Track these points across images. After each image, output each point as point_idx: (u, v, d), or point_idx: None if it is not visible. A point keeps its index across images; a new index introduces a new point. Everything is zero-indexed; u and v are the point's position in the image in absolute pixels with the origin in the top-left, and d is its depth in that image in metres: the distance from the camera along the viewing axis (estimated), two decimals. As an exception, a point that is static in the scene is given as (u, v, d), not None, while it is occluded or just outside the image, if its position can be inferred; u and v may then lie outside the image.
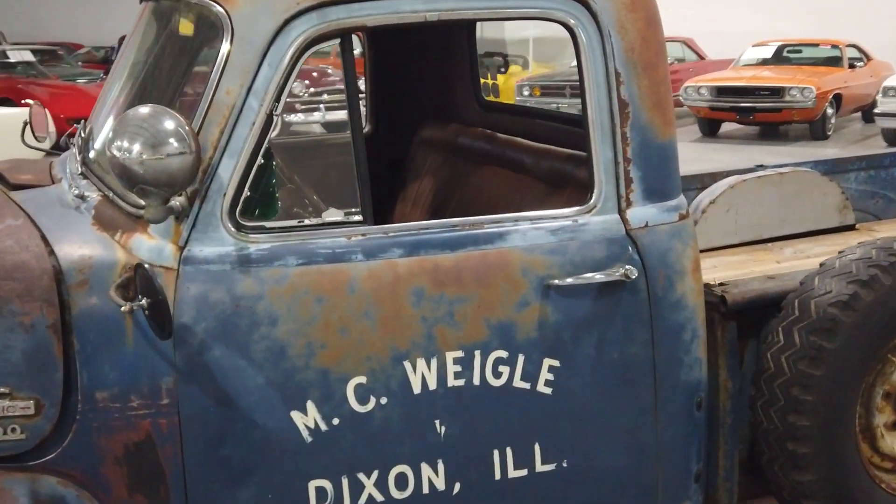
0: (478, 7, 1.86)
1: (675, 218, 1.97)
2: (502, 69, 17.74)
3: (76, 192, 1.88)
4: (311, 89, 13.34)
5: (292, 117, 13.19)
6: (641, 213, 1.94)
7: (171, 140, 1.55)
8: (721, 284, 2.14)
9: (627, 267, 1.87)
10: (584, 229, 1.89)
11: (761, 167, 3.80)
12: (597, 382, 1.89)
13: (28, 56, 17.43)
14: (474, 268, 1.81)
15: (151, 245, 1.69)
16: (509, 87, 15.88)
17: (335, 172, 2.06)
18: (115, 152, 1.54)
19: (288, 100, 1.75)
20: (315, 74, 13.90)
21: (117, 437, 1.65)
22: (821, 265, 2.06)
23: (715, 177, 3.74)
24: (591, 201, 1.91)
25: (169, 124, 1.56)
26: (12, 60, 16.22)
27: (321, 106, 13.43)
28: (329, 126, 14.28)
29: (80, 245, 1.72)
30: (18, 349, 1.60)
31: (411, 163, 3.14)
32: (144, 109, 1.59)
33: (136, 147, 1.53)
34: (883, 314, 1.96)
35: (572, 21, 1.88)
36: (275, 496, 1.72)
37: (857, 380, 1.98)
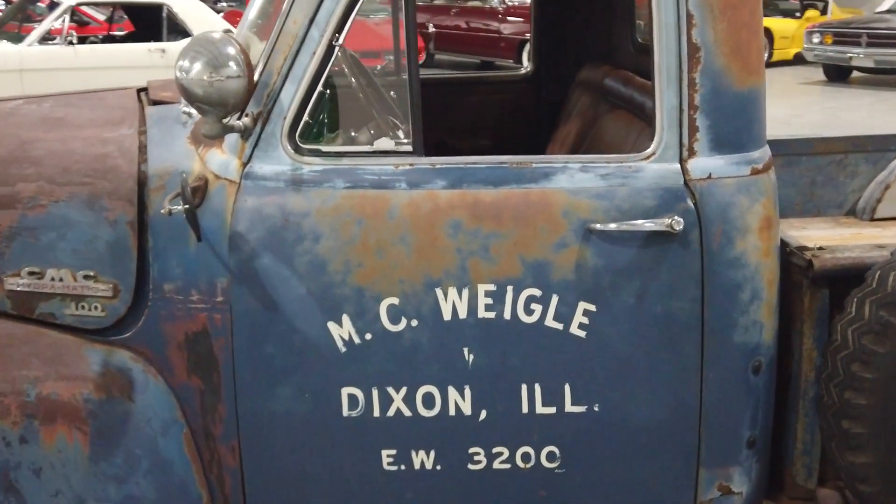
0: None
1: (747, 172, 1.88)
2: (797, 14, 16.63)
3: (185, 108, 2.11)
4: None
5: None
6: (705, 163, 1.87)
7: (230, 63, 1.72)
8: (820, 248, 2.02)
9: (676, 218, 1.82)
10: (637, 176, 1.86)
11: (982, 131, 3.39)
12: (635, 333, 1.88)
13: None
14: (514, 205, 1.85)
15: (221, 160, 1.89)
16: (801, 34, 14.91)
17: (397, 104, 2.15)
18: (178, 72, 1.74)
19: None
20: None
21: (179, 326, 1.89)
22: None
23: None
24: (651, 148, 1.88)
25: (228, 50, 1.73)
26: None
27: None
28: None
29: (169, 155, 1.96)
30: (103, 239, 1.88)
31: (567, 103, 3.16)
32: (209, 35, 1.77)
33: (197, 67, 1.72)
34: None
35: None
36: (311, 397, 1.89)
37: None
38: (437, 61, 16.11)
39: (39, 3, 8.80)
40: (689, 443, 1.95)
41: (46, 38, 8.42)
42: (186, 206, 1.76)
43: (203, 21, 8.83)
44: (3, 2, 11.87)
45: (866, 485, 1.86)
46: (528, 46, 13.68)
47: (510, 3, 14.40)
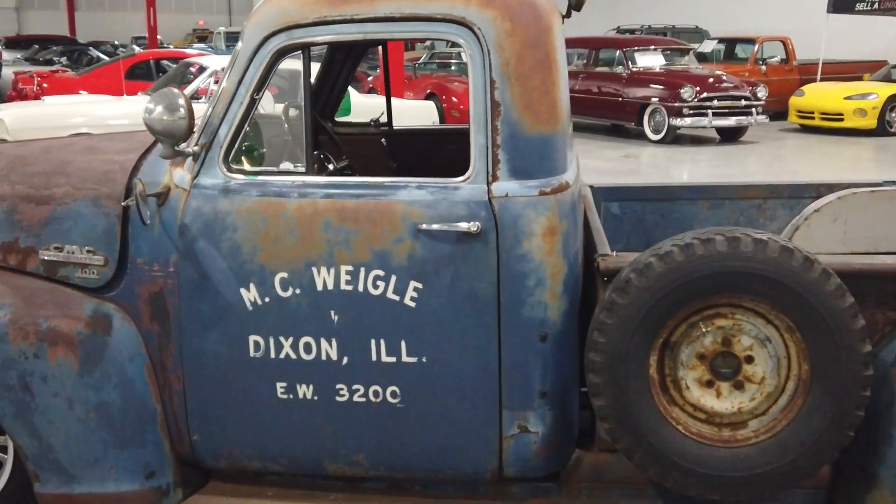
0: (393, 30, 2.67)
1: (535, 193, 2.59)
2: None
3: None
4: (704, 94, 13.74)
5: (678, 121, 13.74)
6: (504, 186, 2.60)
7: (179, 109, 2.61)
8: (603, 255, 2.67)
9: (477, 224, 2.56)
10: (455, 193, 2.61)
11: (890, 182, 3.91)
12: (451, 304, 2.60)
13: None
14: (368, 211, 2.63)
15: (180, 174, 2.78)
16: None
17: (297, 139, 2.96)
18: (145, 113, 2.64)
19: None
20: (711, 80, 14.22)
21: (146, 287, 2.77)
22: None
23: (832, 187, 3.94)
24: (467, 174, 2.62)
25: (179, 100, 2.62)
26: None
27: (709, 112, 13.78)
28: (720, 131, 14.57)
29: (152, 172, 2.86)
30: (100, 226, 2.79)
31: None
32: (168, 89, 2.67)
33: (158, 110, 2.61)
34: (673, 283, 2.40)
35: (461, 41, 2.60)
36: (229, 341, 2.72)
37: (646, 333, 2.44)
38: (565, 123, 16.88)
39: (191, 69, 10.23)
40: (493, 391, 2.64)
41: (194, 97, 9.83)
42: (132, 200, 2.65)
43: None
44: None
45: (605, 422, 2.50)
46: (648, 109, 14.37)
47: (634, 70, 15.04)
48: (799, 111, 16.13)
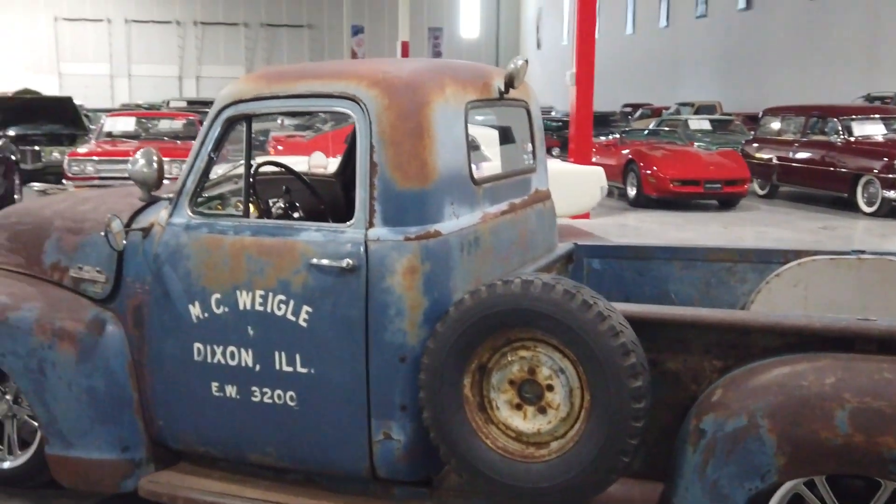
0: (307, 104, 3.32)
1: (401, 238, 3.12)
2: None
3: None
4: None
5: (893, 193, 13.05)
6: (377, 231, 3.15)
7: (153, 164, 3.43)
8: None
9: (351, 261, 3.13)
10: (341, 235, 3.20)
11: (861, 252, 4.04)
12: (333, 326, 3.18)
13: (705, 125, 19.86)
14: (278, 248, 3.28)
15: (162, 215, 3.58)
16: None
17: (239, 190, 3.65)
18: (129, 165, 3.48)
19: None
20: None
21: (132, 301, 3.58)
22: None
23: (799, 254, 4.15)
24: (351, 220, 3.21)
25: (154, 157, 3.44)
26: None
27: None
28: None
29: (147, 215, 3.68)
30: (106, 253, 3.65)
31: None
32: (148, 149, 3.49)
33: (139, 163, 3.45)
34: (477, 315, 2.84)
35: (352, 113, 3.21)
36: (181, 346, 3.45)
37: (460, 358, 2.88)
38: (780, 192, 16.49)
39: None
40: (363, 401, 3.17)
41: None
42: (101, 232, 3.47)
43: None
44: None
45: (430, 432, 2.95)
46: (862, 180, 13.76)
47: (849, 139, 14.50)
48: None
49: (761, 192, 16.57)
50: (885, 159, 13.44)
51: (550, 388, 2.85)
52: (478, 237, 3.40)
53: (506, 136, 4.37)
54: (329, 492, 3.36)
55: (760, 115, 17.65)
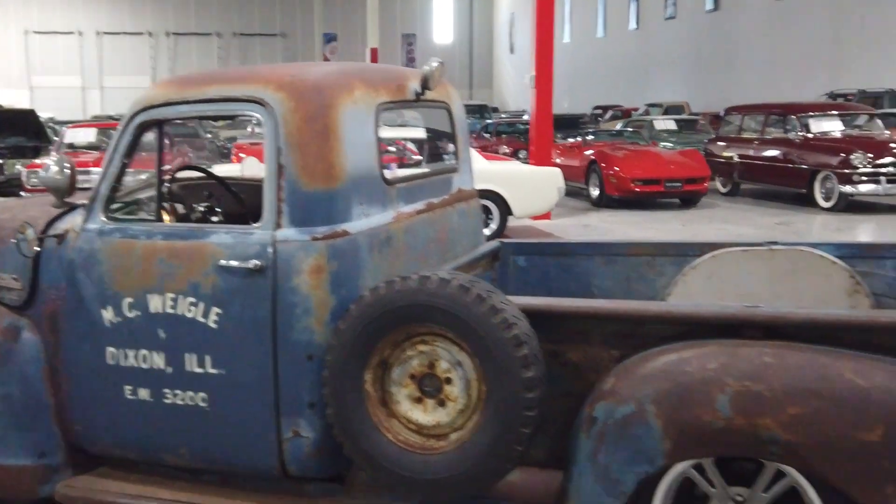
0: (217, 108, 3.36)
1: (308, 238, 3.16)
2: None
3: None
4: (877, 160, 13.19)
5: (849, 188, 13.22)
6: (285, 232, 3.19)
7: (65, 170, 3.45)
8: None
9: (258, 262, 3.17)
10: (250, 237, 3.24)
11: (773, 243, 4.12)
12: (241, 326, 3.22)
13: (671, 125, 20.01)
14: (188, 251, 3.32)
15: (77, 221, 3.60)
16: None
17: (152, 196, 3.70)
18: (42, 171, 3.50)
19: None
20: (885, 145, 13.63)
21: (48, 307, 3.60)
22: None
23: (715, 246, 4.22)
24: (260, 222, 3.25)
25: (66, 163, 3.47)
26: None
27: (882, 178, 13.20)
28: None
29: (63, 222, 3.71)
30: (21, 260, 3.67)
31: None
32: (60, 154, 3.52)
33: (52, 170, 3.47)
34: (377, 311, 2.89)
35: (259, 116, 3.26)
36: (94, 351, 3.48)
37: (360, 354, 2.92)
38: (742, 190, 16.65)
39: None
40: (272, 400, 3.20)
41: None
42: (12, 239, 3.50)
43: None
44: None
45: (334, 428, 3.00)
46: (819, 176, 13.93)
47: (806, 136, 14.67)
48: None
49: (723, 190, 16.72)
50: (842, 155, 13.61)
51: (449, 380, 2.90)
52: (390, 236, 3.45)
53: (427, 138, 4.44)
54: (244, 491, 3.39)
55: (723, 114, 17.81)
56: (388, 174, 3.55)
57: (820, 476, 2.55)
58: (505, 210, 11.27)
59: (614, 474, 2.75)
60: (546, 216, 13.14)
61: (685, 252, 4.18)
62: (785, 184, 15.00)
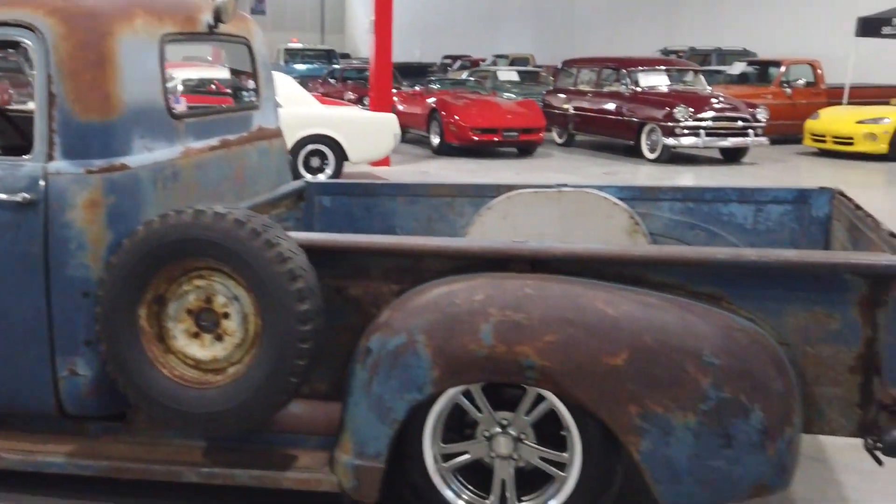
0: None
1: (82, 171, 3.06)
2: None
3: None
4: (698, 114, 13.83)
5: (672, 140, 13.85)
6: (58, 164, 3.08)
7: None
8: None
9: (28, 195, 3.05)
10: (20, 169, 3.10)
11: (564, 185, 4.27)
12: (12, 262, 3.09)
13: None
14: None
15: None
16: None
17: None
18: None
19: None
20: (706, 101, 14.28)
21: None
22: None
23: (511, 188, 4.33)
24: (31, 153, 3.12)
25: None
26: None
27: (701, 132, 13.85)
28: (723, 152, 14.60)
29: None
30: None
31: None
32: None
33: None
34: (151, 246, 2.84)
35: (29, 42, 3.11)
36: None
37: (134, 289, 2.88)
38: (577, 141, 17.16)
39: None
40: (46, 338, 3.11)
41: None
42: None
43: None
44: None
45: (108, 365, 2.95)
46: (646, 128, 14.51)
47: (636, 90, 15.21)
48: (813, 134, 15.95)
49: (559, 141, 17.17)
50: (667, 108, 14.21)
51: (226, 315, 2.90)
52: (177, 172, 3.38)
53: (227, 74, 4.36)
54: (23, 432, 3.30)
55: (559, 67, 18.23)
56: (176, 108, 3.47)
57: (572, 399, 2.71)
58: (340, 155, 11.22)
59: (387, 403, 2.83)
60: (385, 163, 13.16)
61: (483, 193, 4.30)
62: (615, 135, 15.55)
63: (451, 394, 2.87)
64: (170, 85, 10.68)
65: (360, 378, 2.87)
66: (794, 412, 2.65)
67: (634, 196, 4.13)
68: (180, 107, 3.19)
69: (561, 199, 4.11)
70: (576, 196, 4.11)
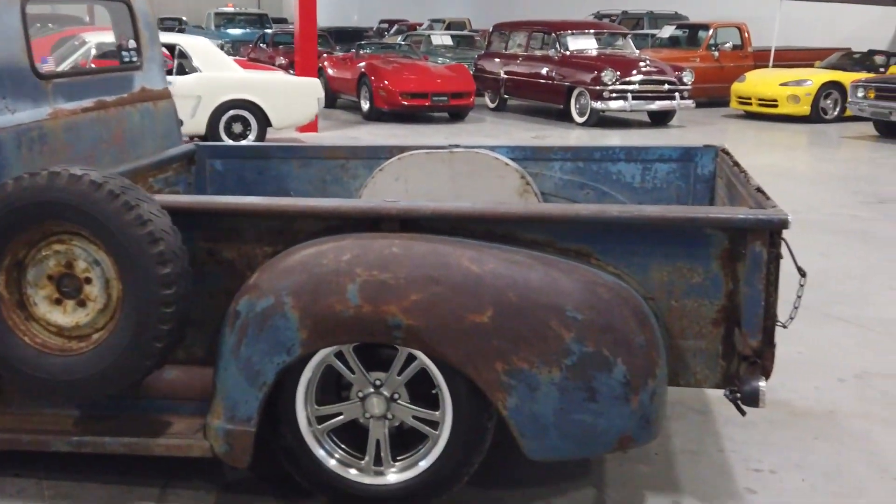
0: None
1: None
2: (882, 69, 16.30)
3: None
4: (625, 78, 13.90)
5: (599, 104, 13.90)
6: None
7: None
8: None
9: None
10: None
11: (456, 146, 4.23)
12: None
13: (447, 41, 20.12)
14: None
15: None
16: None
17: None
18: None
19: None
20: (632, 64, 14.35)
21: None
22: None
23: (403, 150, 4.28)
24: None
25: None
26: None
27: (628, 95, 13.92)
28: (651, 115, 14.71)
29: None
30: None
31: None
32: None
33: None
34: (3, 210, 2.75)
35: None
36: None
37: None
38: (508, 105, 17.14)
39: (75, 42, 10.69)
40: None
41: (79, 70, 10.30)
42: None
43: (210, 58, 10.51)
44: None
45: None
46: (575, 92, 14.55)
47: (566, 53, 15.22)
48: (739, 97, 16.16)
49: (491, 105, 17.14)
50: (595, 72, 14.25)
51: (88, 280, 2.82)
52: (44, 134, 3.28)
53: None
54: None
55: (490, 31, 18.16)
56: (44, 68, 3.36)
57: (441, 357, 2.70)
58: (264, 121, 11.06)
59: (255, 366, 2.79)
60: (313, 128, 13.02)
61: (377, 155, 4.26)
62: (546, 99, 15.57)
63: (322, 355, 2.84)
64: (83, 51, 10.50)
65: (229, 342, 2.83)
66: (657, 365, 2.68)
67: (526, 156, 4.12)
68: (47, 66, 3.09)
69: (453, 160, 4.09)
70: (467, 157, 4.08)
